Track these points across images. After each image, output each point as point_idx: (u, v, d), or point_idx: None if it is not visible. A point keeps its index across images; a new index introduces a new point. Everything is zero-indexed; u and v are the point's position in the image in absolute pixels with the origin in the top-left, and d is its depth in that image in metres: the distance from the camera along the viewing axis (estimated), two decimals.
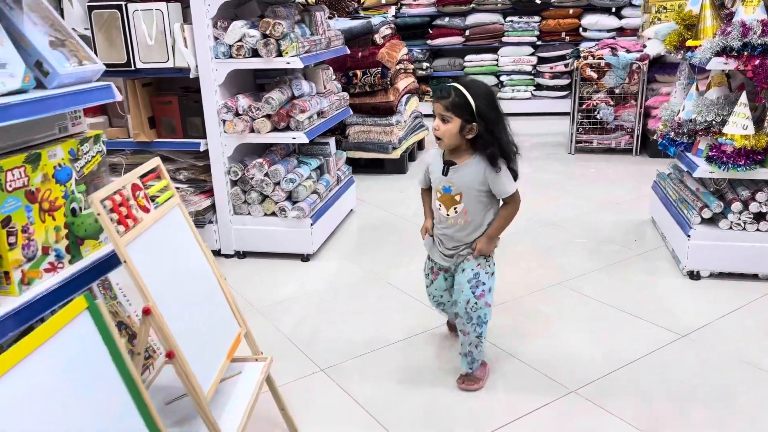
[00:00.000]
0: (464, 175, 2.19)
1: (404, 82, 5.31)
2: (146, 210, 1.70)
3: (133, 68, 3.38)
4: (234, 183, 3.59)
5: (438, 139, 2.16)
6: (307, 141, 3.39)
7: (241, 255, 3.70)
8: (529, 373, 2.46)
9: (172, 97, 3.57)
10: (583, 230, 3.99)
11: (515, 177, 2.23)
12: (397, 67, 5.21)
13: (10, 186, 1.47)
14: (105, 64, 3.02)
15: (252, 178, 3.49)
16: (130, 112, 3.56)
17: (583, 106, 5.67)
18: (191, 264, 1.84)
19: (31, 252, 1.54)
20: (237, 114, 3.40)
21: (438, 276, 2.47)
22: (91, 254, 1.74)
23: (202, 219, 3.56)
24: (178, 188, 3.54)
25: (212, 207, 3.64)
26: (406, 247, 3.76)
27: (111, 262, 1.76)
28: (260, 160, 3.50)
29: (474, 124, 2.09)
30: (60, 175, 1.64)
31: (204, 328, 1.78)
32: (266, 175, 3.49)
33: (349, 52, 4.15)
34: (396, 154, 5.14)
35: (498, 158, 2.14)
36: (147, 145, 3.59)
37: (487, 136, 2.10)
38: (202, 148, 3.51)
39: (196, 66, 3.36)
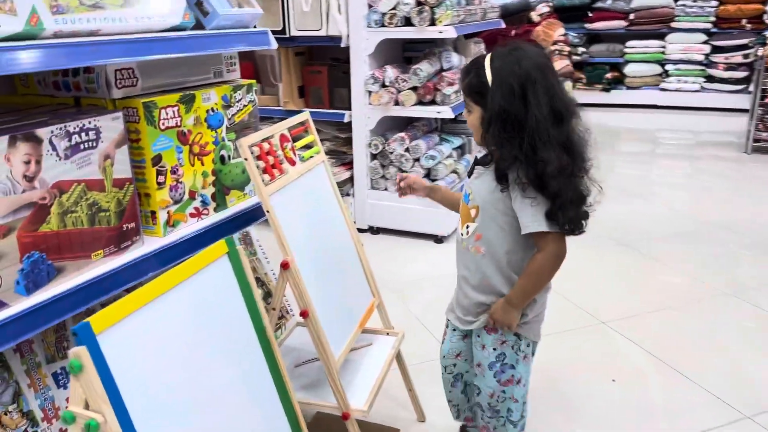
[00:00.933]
0: (483, 182, 1.48)
1: (558, 64, 4.98)
2: (292, 162, 1.63)
3: (287, 35, 3.41)
4: (374, 156, 3.52)
5: None
6: (452, 116, 3.23)
7: (375, 231, 3.64)
8: (697, 393, 2.14)
9: (322, 66, 3.56)
10: (760, 237, 3.48)
11: (572, 224, 1.37)
12: (552, 47, 4.89)
13: (163, 124, 1.45)
14: None
15: (392, 153, 3.40)
16: (281, 81, 3.61)
17: (766, 101, 4.99)
18: (331, 224, 1.76)
19: (179, 194, 1.52)
20: (383, 85, 3.32)
21: (454, 333, 1.67)
22: (236, 205, 1.71)
23: (339, 191, 3.52)
24: None
25: (350, 180, 3.60)
26: None
27: (254, 214, 1.71)
28: (402, 134, 3.40)
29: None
30: (212, 120, 1.60)
31: (339, 292, 1.69)
32: (407, 150, 3.38)
33: (504, 25, 3.92)
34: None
35: (512, 176, 1.38)
36: (294, 114, 3.61)
37: (500, 137, 1.36)
38: (346, 120, 3.47)
39: (348, 35, 3.31)
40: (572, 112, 1.38)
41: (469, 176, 1.58)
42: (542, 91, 1.33)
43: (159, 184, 1.46)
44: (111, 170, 1.33)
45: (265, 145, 1.53)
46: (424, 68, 3.23)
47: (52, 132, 1.19)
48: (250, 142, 1.46)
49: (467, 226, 1.53)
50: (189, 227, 1.55)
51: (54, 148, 1.20)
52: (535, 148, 1.32)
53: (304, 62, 3.62)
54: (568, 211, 1.35)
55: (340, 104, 3.53)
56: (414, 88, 3.28)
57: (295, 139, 1.70)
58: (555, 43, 5.01)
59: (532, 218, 1.37)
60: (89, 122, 1.27)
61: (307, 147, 1.77)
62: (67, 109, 1.41)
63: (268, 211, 1.46)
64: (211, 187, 1.62)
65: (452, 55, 3.46)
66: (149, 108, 1.41)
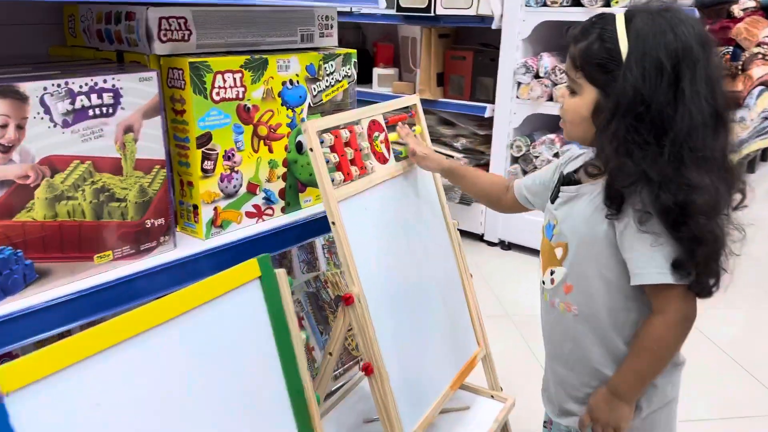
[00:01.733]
0: (577, 208, 1.00)
1: (761, 70, 4.08)
2: (382, 159, 1.22)
3: (432, 14, 3.00)
4: (515, 160, 3.01)
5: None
6: None
7: (506, 246, 3.13)
8: None
9: (467, 52, 3.12)
10: None
11: (706, 281, 0.92)
12: (755, 50, 4.01)
13: (218, 94, 1.11)
14: (404, 8, 2.59)
15: (537, 157, 2.87)
16: (420, 66, 3.22)
17: None
18: (428, 246, 1.33)
19: (233, 187, 1.17)
20: (536, 76, 2.80)
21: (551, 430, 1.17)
22: (313, 206, 1.34)
23: (469, 196, 3.07)
24: (451, 156, 3.10)
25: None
26: None
27: None
28: (552, 136, 2.86)
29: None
30: (289, 96, 1.24)
31: (426, 339, 1.26)
32: (555, 155, 2.83)
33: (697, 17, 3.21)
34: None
35: (631, 200, 0.91)
36: (430, 104, 3.21)
37: (627, 139, 0.88)
38: (487, 114, 3.00)
39: (501, 15, 2.83)
40: (732, 117, 0.94)
41: (552, 200, 1.06)
42: (703, 79, 0.88)
43: (205, 171, 1.12)
44: (134, 147, 1.00)
45: (345, 133, 1.13)
46: None
47: (45, 89, 0.88)
48: (321, 127, 1.07)
49: (551, 273, 1.05)
50: (243, 230, 1.20)
51: (47, 111, 0.89)
52: (680, 164, 0.87)
53: (448, 46, 3.19)
54: (710, 263, 0.90)
55: (483, 96, 3.06)
56: None
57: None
58: (759, 44, 4.11)
59: (653, 264, 0.90)
60: (105, 81, 0.95)
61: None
62: (105, 65, 1.12)
63: (333, 223, 1.06)
64: (281, 182, 1.26)
65: None
66: (199, 71, 1.07)
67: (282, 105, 1.23)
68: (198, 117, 1.09)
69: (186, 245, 1.12)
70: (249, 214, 1.22)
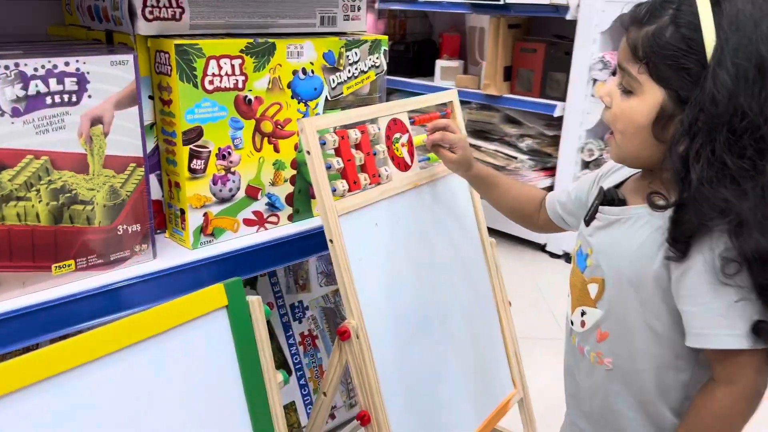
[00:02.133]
0: (621, 240, 0.77)
1: None
2: (403, 166, 1.03)
3: (502, 2, 2.77)
4: (586, 165, 2.73)
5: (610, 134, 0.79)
6: None
7: (570, 259, 2.85)
8: None
9: (538, 44, 2.86)
10: None
11: None
12: None
13: (211, 83, 0.96)
14: None
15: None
16: (486, 58, 2.98)
17: None
18: (454, 271, 1.13)
19: (228, 190, 1.02)
20: (614, 73, 2.51)
21: None
22: None
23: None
24: (514, 158, 2.85)
25: (551, 189, 2.86)
26: None
27: None
28: None
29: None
30: (301, 87, 1.07)
31: (446, 380, 1.06)
32: None
33: None
34: None
35: (710, 241, 0.68)
36: (495, 100, 2.98)
37: (715, 163, 0.65)
38: (557, 114, 2.74)
39: (578, 5, 2.56)
40: None
41: (587, 222, 0.83)
42: None
43: (193, 171, 0.97)
44: (102, 142, 0.86)
45: (354, 134, 0.95)
46: None
47: None
48: (323, 125, 0.90)
49: (582, 313, 0.83)
50: (239, 240, 1.05)
51: None
52: None
53: (518, 37, 2.94)
54: None
55: (554, 93, 2.80)
56: None
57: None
58: None
59: (724, 324, 0.68)
60: (67, 64, 0.81)
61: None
62: (88, 46, 0.99)
63: (331, 241, 0.88)
64: (288, 185, 1.10)
65: None
66: (187, 55, 0.92)
67: (292, 98, 1.06)
68: (185, 108, 0.94)
69: (169, 255, 0.98)
70: (248, 222, 1.06)
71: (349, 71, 1.14)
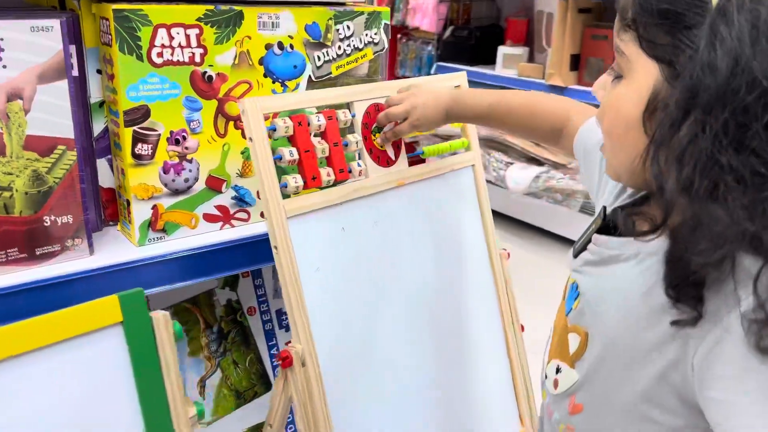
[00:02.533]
0: (614, 287, 0.55)
1: None
2: (384, 160, 0.87)
3: None
4: None
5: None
6: None
7: None
8: None
9: (611, 30, 2.57)
10: None
11: None
12: None
13: (159, 55, 0.83)
14: None
15: None
16: (552, 45, 2.74)
17: None
18: (446, 287, 0.95)
19: (183, 180, 0.89)
20: None
21: None
22: None
23: (592, 206, 2.55)
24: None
25: (585, 194, 2.58)
26: None
27: None
28: None
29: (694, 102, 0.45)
30: (277, 64, 0.93)
31: (427, 419, 0.89)
32: None
33: None
34: None
35: (735, 296, 0.45)
36: (559, 91, 2.72)
37: (723, 166, 0.43)
38: None
39: None
40: None
41: (575, 253, 0.63)
42: None
43: (137, 157, 0.85)
44: (22, 120, 0.75)
45: (317, 120, 0.79)
46: None
47: None
48: (272, 108, 0.75)
49: (557, 369, 0.63)
50: (198, 237, 0.92)
51: None
52: None
53: (589, 23, 2.67)
54: None
55: None
56: None
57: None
58: None
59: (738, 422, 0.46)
60: None
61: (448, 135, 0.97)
62: (28, 10, 0.88)
63: (275, 248, 0.73)
64: None
65: None
66: (128, 22, 0.80)
67: (265, 76, 0.92)
68: (126, 84, 0.81)
69: (110, 252, 0.86)
70: (209, 218, 0.93)
71: (339, 48, 0.98)
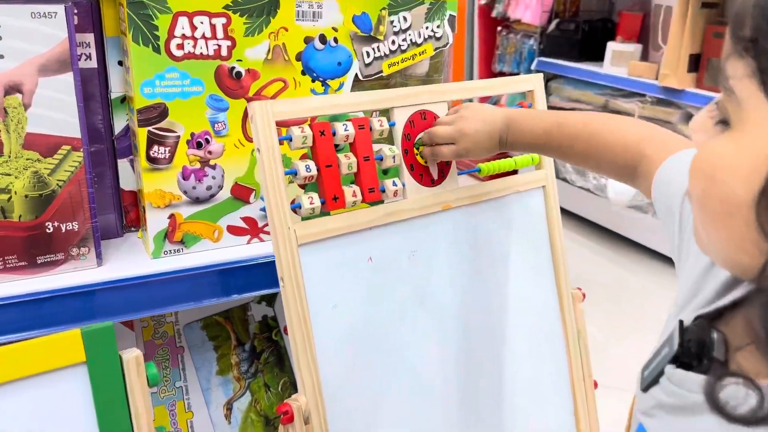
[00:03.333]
0: None
1: None
2: (427, 179, 0.72)
3: None
4: None
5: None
6: None
7: None
8: None
9: None
10: None
11: None
12: None
13: (180, 47, 0.73)
14: None
15: None
16: (668, 43, 2.45)
17: None
18: (500, 334, 0.79)
19: (205, 188, 0.79)
20: None
21: None
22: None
23: None
24: None
25: None
26: None
27: None
28: None
29: None
30: (318, 61, 0.81)
31: None
32: None
33: None
34: None
35: None
36: (675, 95, 2.44)
37: None
38: None
39: None
40: None
41: (645, 387, 0.43)
42: None
43: (153, 161, 0.76)
44: (22, 116, 0.68)
45: (343, 129, 0.66)
46: None
47: None
48: (286, 113, 0.62)
49: None
50: (220, 252, 0.82)
51: None
52: None
53: (712, 19, 2.36)
54: None
55: None
56: None
57: None
58: None
59: None
60: None
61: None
62: None
63: (281, 279, 0.62)
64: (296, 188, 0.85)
65: None
66: (143, 9, 0.70)
67: (304, 74, 0.80)
68: (141, 79, 0.72)
69: (122, 264, 0.78)
70: (234, 230, 0.83)
71: (393, 42, 0.85)
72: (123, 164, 0.82)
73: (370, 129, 0.68)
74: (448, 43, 0.89)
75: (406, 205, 0.70)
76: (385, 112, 0.71)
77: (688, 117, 2.47)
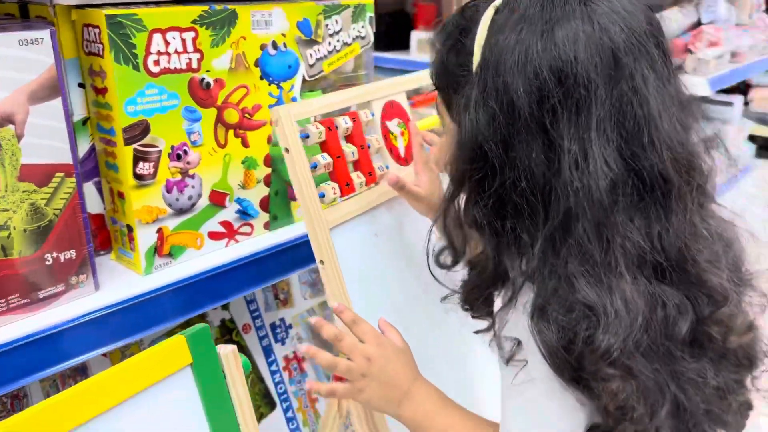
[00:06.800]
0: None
1: None
2: (403, 159, 0.84)
3: None
4: None
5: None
6: (709, 92, 2.17)
7: None
8: None
9: None
10: None
11: None
12: None
13: (156, 63, 0.75)
14: None
15: None
16: None
17: None
18: None
19: (187, 198, 0.82)
20: None
21: None
22: None
23: None
24: None
25: None
26: None
27: None
28: None
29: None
30: (272, 65, 0.87)
31: None
32: None
33: None
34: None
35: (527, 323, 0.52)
36: None
37: (478, 216, 0.56)
38: None
39: None
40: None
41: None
42: (609, 116, 0.51)
43: (139, 177, 0.77)
44: (16, 148, 0.65)
45: (344, 122, 0.75)
46: (674, 18, 2.18)
47: None
48: (303, 114, 0.70)
49: None
50: (204, 258, 0.85)
51: None
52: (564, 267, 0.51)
53: None
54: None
55: None
56: None
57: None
58: None
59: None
60: None
61: None
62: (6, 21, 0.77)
63: (322, 262, 0.69)
64: (263, 187, 0.90)
65: (719, 3, 2.35)
66: (122, 29, 0.71)
67: (261, 78, 0.86)
68: (124, 98, 0.73)
69: (116, 285, 0.78)
70: (214, 235, 0.86)
71: (329, 44, 0.94)
72: (88, 187, 0.80)
73: (360, 121, 0.78)
74: (370, 42, 1.00)
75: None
76: (365, 105, 0.81)
77: None
